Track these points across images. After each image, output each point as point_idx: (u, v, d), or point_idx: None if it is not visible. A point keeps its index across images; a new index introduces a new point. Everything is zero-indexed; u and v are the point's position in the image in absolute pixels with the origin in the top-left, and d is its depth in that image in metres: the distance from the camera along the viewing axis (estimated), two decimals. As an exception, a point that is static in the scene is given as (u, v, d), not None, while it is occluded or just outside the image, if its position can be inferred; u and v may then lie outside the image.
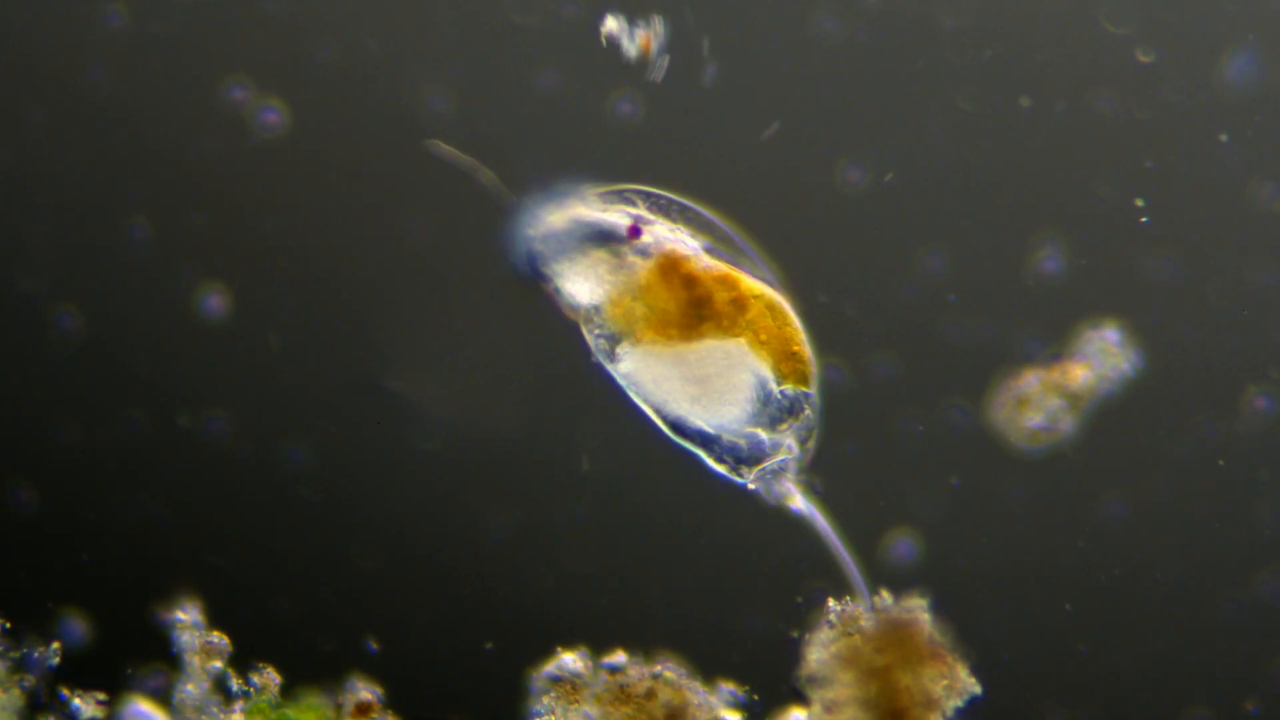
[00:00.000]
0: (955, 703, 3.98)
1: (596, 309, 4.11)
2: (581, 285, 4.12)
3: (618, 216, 4.12)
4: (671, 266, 4.06)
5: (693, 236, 4.12)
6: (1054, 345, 4.20)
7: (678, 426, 4.11)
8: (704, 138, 4.28)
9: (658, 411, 4.11)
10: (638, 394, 4.11)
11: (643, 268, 4.07)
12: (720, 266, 4.09)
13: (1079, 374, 4.16)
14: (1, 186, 4.39)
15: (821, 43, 4.29)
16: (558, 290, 4.13)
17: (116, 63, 4.37)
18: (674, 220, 4.12)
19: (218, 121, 4.35)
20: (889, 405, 4.25)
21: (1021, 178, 4.27)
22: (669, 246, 4.09)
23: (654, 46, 4.00)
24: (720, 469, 4.13)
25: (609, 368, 4.11)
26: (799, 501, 4.12)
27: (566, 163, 4.16)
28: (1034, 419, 4.17)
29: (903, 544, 4.20)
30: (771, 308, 4.09)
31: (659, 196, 4.14)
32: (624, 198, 4.14)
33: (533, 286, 4.14)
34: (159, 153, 4.38)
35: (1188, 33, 4.26)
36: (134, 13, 4.36)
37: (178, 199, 4.37)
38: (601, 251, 4.10)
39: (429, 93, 4.30)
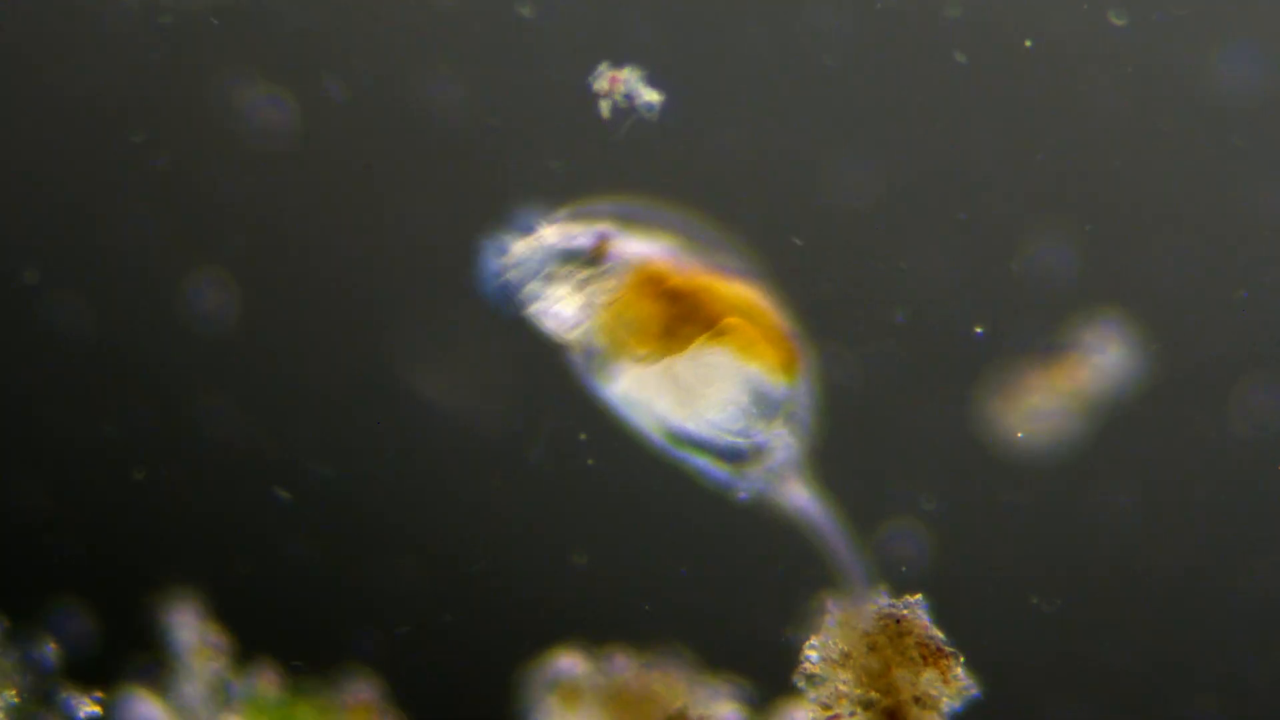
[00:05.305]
0: (954, 703, 3.97)
1: (577, 331, 4.07)
2: (558, 309, 4.08)
3: (585, 235, 4.07)
4: (647, 278, 4.02)
5: (667, 243, 4.07)
6: (1054, 343, 4.19)
7: (673, 436, 4.09)
8: (699, 137, 4.28)
9: (653, 427, 4.09)
10: (631, 413, 4.08)
11: (617, 283, 4.03)
12: (700, 270, 4.05)
13: (1079, 373, 4.16)
14: (1, 185, 4.40)
15: (819, 40, 4.29)
16: (537, 317, 4.10)
17: (116, 62, 4.38)
18: (646, 229, 4.08)
19: (218, 121, 4.35)
20: (889, 405, 4.25)
21: (1022, 174, 4.27)
22: (641, 257, 4.04)
23: (621, 90, 3.97)
24: (719, 469, 4.13)
25: (598, 390, 4.08)
26: (797, 500, 4.12)
27: (531, 181, 4.15)
28: (1034, 418, 4.17)
29: (902, 543, 4.20)
30: (756, 308, 4.07)
31: (628, 207, 4.09)
32: (591, 213, 4.09)
33: (512, 315, 4.12)
34: (159, 153, 4.39)
35: (1189, 32, 4.26)
36: (134, 12, 4.37)
37: (178, 199, 4.38)
38: (572, 272, 4.06)
39: (431, 90, 4.31)
